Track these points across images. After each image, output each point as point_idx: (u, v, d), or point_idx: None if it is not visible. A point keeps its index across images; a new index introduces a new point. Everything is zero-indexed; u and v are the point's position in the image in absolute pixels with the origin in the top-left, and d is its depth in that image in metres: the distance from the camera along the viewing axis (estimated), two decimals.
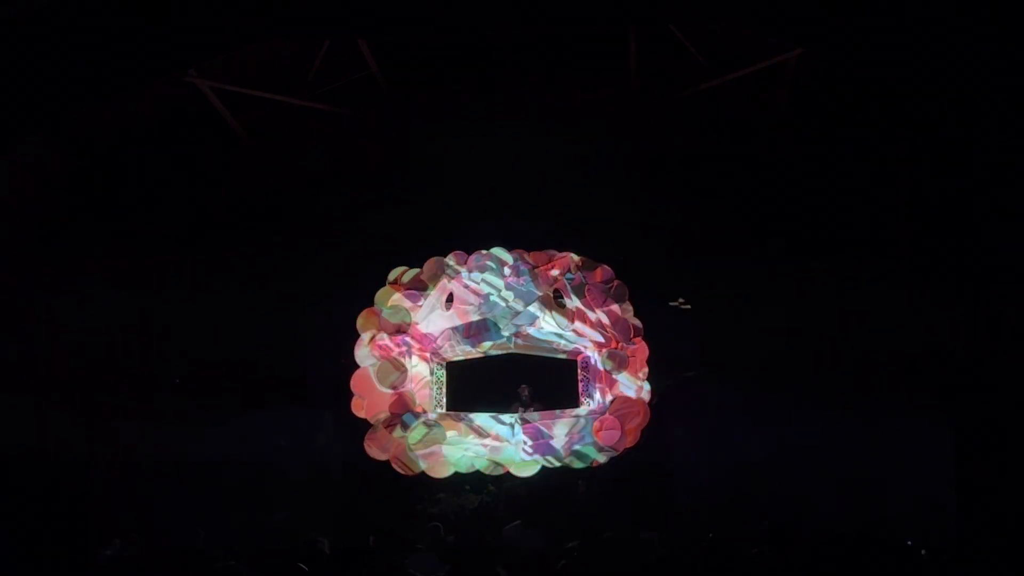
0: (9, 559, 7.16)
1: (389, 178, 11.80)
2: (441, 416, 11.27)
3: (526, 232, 11.84)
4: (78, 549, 8.31)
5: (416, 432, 10.79)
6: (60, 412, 10.12)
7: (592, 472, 11.12)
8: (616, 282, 11.49)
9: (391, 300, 11.29)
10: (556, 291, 11.66)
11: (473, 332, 11.17)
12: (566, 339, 11.40)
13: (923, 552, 6.76)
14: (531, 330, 11.23)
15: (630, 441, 11.05)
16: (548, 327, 11.31)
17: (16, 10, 8.69)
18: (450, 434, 10.94)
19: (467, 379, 11.73)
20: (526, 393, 11.55)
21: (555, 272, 11.44)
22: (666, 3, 9.47)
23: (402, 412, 10.99)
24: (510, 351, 11.52)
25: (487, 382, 11.63)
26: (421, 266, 11.80)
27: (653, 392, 11.34)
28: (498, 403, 11.46)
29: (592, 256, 11.83)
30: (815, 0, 9.09)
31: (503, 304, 11.18)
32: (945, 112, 9.29)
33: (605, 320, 11.42)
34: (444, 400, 11.61)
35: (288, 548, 6.46)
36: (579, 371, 11.66)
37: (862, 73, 9.90)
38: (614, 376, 11.31)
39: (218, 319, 11.00)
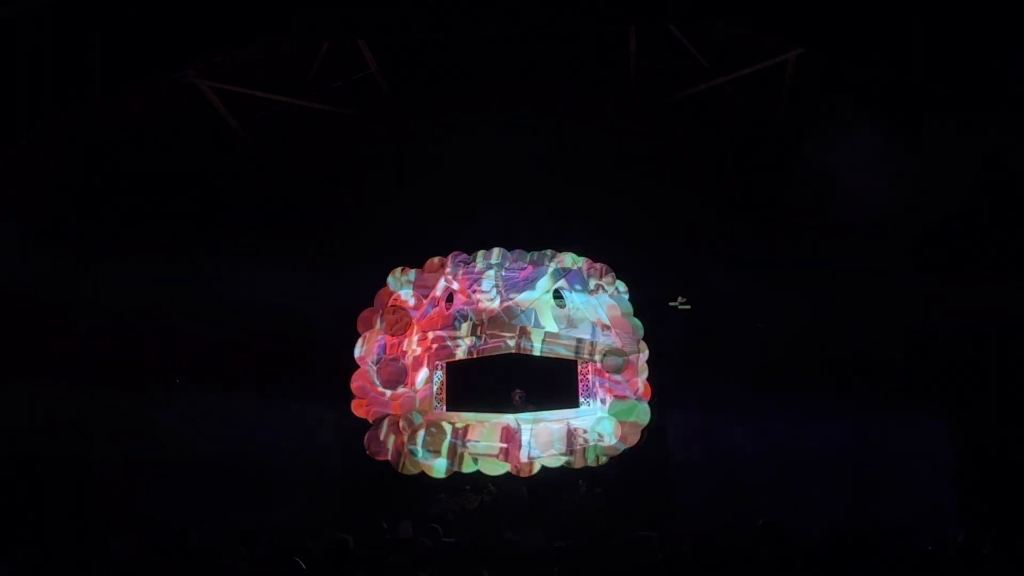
0: (7, 558, 7.16)
1: (389, 178, 11.80)
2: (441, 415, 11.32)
3: (526, 232, 11.85)
4: (76, 548, 8.29)
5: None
6: (59, 410, 10.11)
7: (592, 472, 11.11)
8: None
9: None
10: (556, 291, 11.67)
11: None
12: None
13: (929, 548, 6.76)
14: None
15: (630, 440, 11.07)
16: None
17: (16, 10, 8.72)
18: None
19: (467, 380, 11.72)
20: (519, 398, 11.52)
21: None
22: (666, 3, 9.48)
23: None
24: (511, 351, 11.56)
25: (486, 383, 11.61)
26: (421, 266, 11.83)
27: (653, 391, 11.34)
28: (496, 404, 11.46)
29: (592, 256, 11.82)
30: (815, 0, 9.11)
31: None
32: (944, 111, 9.29)
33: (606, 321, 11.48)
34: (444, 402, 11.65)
35: (287, 548, 6.44)
36: (579, 372, 11.67)
37: (862, 73, 9.89)
38: (614, 377, 11.31)
39: (217, 319, 11.00)
